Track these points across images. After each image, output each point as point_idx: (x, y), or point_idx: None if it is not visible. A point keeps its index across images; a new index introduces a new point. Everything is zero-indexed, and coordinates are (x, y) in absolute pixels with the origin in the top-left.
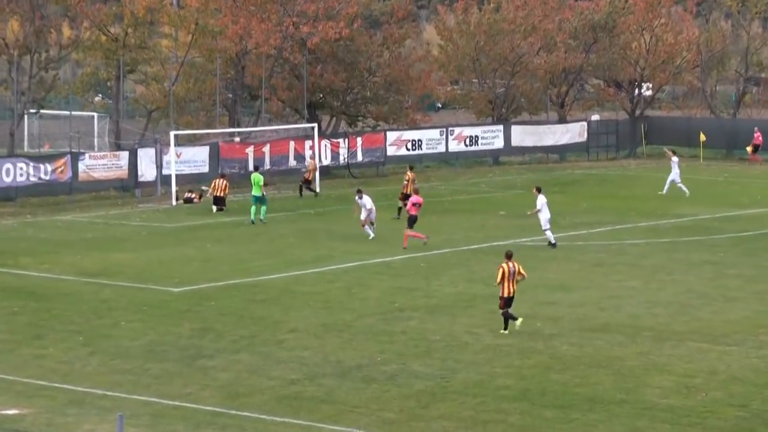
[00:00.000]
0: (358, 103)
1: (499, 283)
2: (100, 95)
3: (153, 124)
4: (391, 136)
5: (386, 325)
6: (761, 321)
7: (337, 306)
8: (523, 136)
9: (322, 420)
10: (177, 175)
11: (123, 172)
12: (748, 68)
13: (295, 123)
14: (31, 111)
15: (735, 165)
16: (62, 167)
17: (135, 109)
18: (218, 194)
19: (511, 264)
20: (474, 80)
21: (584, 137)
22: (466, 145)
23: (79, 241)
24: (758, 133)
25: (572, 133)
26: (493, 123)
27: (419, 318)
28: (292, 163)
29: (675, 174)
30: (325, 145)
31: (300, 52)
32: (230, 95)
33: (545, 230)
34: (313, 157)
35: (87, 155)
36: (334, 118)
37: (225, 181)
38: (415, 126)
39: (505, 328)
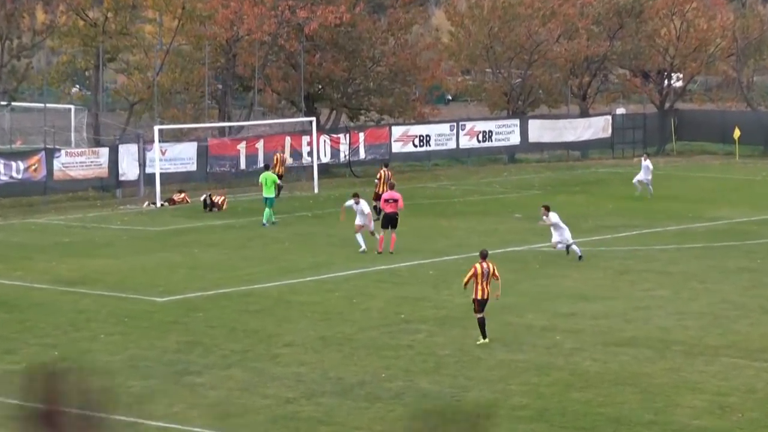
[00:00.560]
0: (361, 95)
1: (465, 285)
2: (78, 86)
3: (135, 118)
4: (397, 131)
5: (391, 338)
6: None
7: (337, 317)
8: (541, 131)
9: None
10: (162, 174)
11: (102, 170)
12: None
13: (292, 117)
14: (2, 103)
15: None
16: (36, 165)
17: (116, 102)
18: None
19: (485, 264)
20: (487, 70)
21: (608, 132)
22: (479, 141)
23: (54, 245)
24: None
25: (595, 128)
26: (509, 117)
27: (427, 331)
28: (288, 160)
29: (642, 175)
30: (325, 141)
31: (297, 39)
32: (220, 86)
33: (570, 244)
34: (283, 151)
35: (63, 152)
36: (334, 112)
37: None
38: (423, 120)
39: (484, 337)
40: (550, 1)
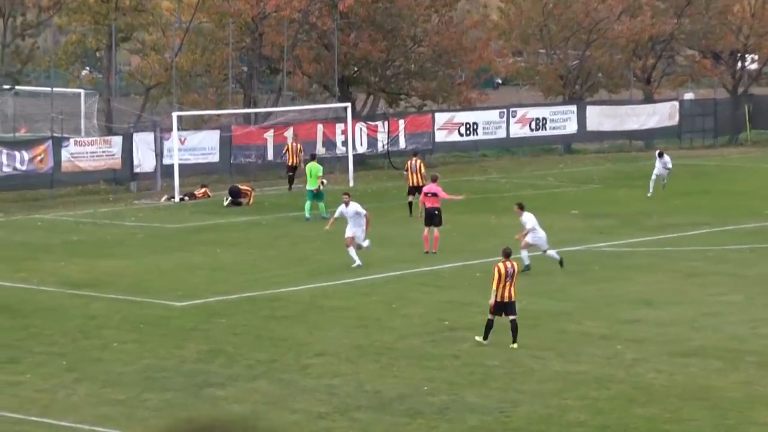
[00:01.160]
0: (401, 78)
1: (497, 289)
2: (88, 68)
3: (152, 104)
4: (441, 118)
5: (434, 347)
6: None
7: (374, 324)
8: (600, 118)
9: None
10: (181, 166)
11: (115, 161)
12: None
13: (324, 102)
14: (5, 87)
15: None
16: (42, 155)
17: (130, 86)
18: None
19: (509, 264)
20: (541, 51)
21: (675, 120)
22: (532, 130)
23: (62, 244)
24: None
25: (660, 115)
26: (565, 103)
27: (474, 339)
28: (321, 150)
29: (660, 170)
30: (361, 129)
31: (330, 17)
32: (245, 69)
33: (546, 250)
34: (296, 139)
35: (72, 141)
36: (372, 97)
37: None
38: (469, 106)
39: (485, 338)
40: None
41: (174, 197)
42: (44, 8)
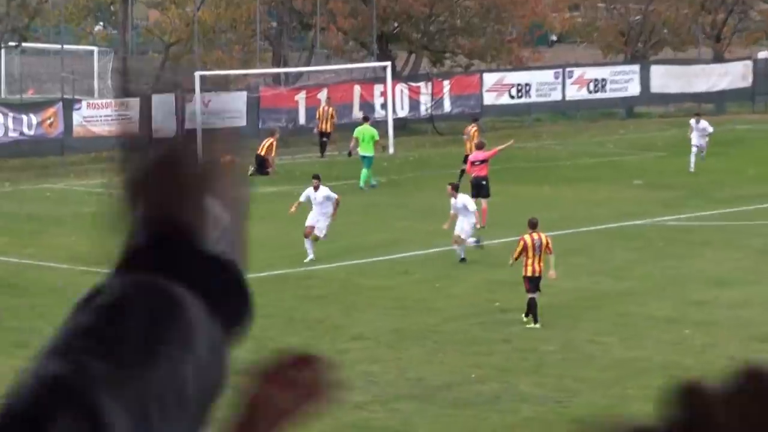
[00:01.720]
0: (445, 34)
1: (515, 260)
2: (102, 24)
3: (172, 63)
4: (490, 79)
5: (483, 331)
6: None
7: (417, 306)
8: (666, 79)
9: None
10: (204, 131)
11: (132, 125)
12: None
13: (361, 61)
14: (10, 44)
15: None
16: (51, 119)
17: (147, 43)
18: (261, 153)
19: (535, 236)
20: (600, 4)
21: (749, 81)
22: (590, 92)
23: (73, 217)
24: None
25: (733, 75)
26: (626, 62)
27: (527, 322)
28: (357, 114)
29: (697, 140)
30: (402, 91)
31: None
32: (274, 24)
33: (468, 242)
34: (328, 102)
35: (84, 103)
36: (413, 55)
37: (273, 141)
38: (521, 66)
39: (528, 315)
40: None
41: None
42: None
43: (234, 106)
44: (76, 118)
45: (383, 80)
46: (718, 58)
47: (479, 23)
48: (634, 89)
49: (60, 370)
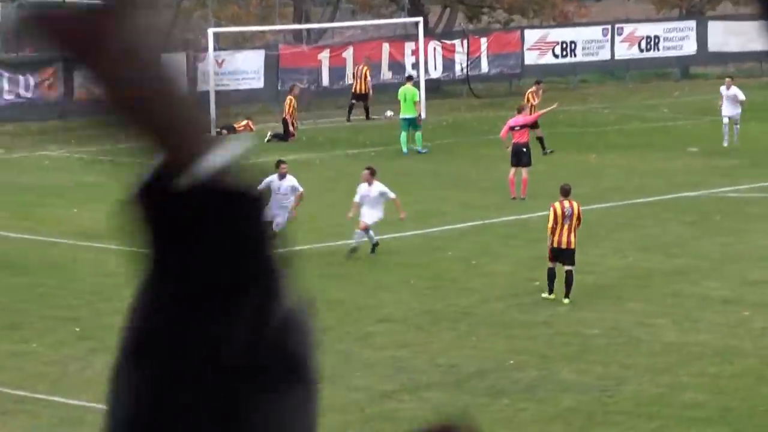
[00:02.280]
0: None
1: (551, 233)
2: None
3: (183, 18)
4: (531, 36)
5: (521, 313)
6: None
7: (450, 285)
8: (725, 36)
9: None
10: (218, 93)
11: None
12: None
13: (390, 17)
14: None
15: None
16: (51, 80)
17: None
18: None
19: (566, 203)
20: None
21: None
22: (641, 50)
23: (74, 187)
24: None
25: None
26: (681, 18)
27: (570, 303)
28: (387, 75)
29: (729, 110)
30: (435, 49)
31: None
32: None
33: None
34: (366, 62)
35: None
36: (448, 10)
37: (291, 99)
38: (566, 22)
39: (550, 291)
40: None
41: (209, 130)
42: None
43: (251, 65)
44: (78, 79)
45: (415, 38)
46: None
47: None
48: (689, 47)
49: None
